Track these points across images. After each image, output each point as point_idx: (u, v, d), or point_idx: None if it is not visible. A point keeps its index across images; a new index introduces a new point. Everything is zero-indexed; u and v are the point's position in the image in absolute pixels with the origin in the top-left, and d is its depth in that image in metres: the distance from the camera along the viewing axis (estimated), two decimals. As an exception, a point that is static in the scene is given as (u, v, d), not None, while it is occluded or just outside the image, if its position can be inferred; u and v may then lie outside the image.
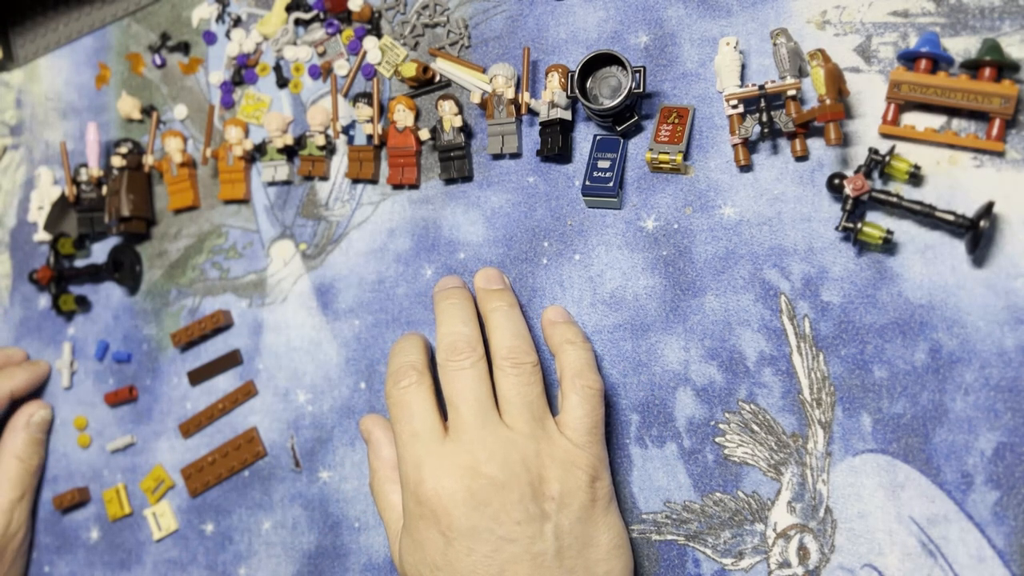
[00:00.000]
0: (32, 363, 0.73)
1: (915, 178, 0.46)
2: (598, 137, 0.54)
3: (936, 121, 0.47)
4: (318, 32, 0.65)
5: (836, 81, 0.46)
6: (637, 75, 0.51)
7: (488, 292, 0.53)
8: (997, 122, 0.44)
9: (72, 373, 0.73)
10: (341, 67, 0.64)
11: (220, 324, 0.65)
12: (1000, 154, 0.45)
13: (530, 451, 0.46)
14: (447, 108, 0.58)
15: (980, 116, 0.46)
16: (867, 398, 0.46)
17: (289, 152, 0.65)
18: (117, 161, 0.69)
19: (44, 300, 0.75)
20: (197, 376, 0.66)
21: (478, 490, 0.45)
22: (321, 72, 0.65)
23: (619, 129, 0.53)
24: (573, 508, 0.46)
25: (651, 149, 0.52)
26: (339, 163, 0.64)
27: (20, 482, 0.69)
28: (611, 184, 0.52)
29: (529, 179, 0.57)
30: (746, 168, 0.50)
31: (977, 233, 0.43)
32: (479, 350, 0.50)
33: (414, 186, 0.60)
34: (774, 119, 0.48)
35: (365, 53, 0.63)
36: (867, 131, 0.48)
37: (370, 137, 0.61)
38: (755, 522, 0.48)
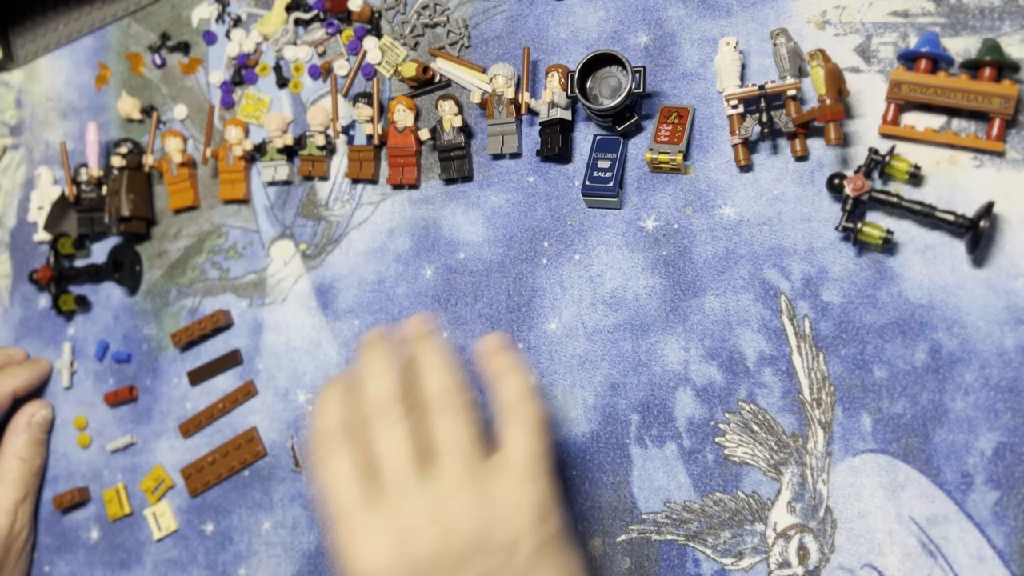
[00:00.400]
0: (33, 362, 0.73)
1: (915, 178, 0.46)
2: (598, 137, 0.54)
3: (936, 121, 0.47)
4: (318, 32, 0.65)
5: (836, 81, 0.46)
6: (637, 75, 0.51)
7: (416, 338, 0.48)
8: (997, 122, 0.44)
9: (72, 373, 0.73)
10: (341, 67, 0.64)
11: (220, 324, 0.65)
12: (1000, 154, 0.45)
13: (469, 503, 0.42)
14: (447, 108, 0.58)
15: (980, 116, 0.46)
16: (867, 398, 0.46)
17: (289, 152, 0.65)
18: (117, 161, 0.69)
19: (44, 300, 0.75)
20: (197, 376, 0.66)
21: (415, 568, 0.41)
22: (321, 72, 0.65)
23: (619, 129, 0.53)
24: (524, 553, 0.41)
25: (651, 149, 0.52)
26: (339, 163, 0.64)
27: (23, 482, 0.69)
28: (611, 184, 0.52)
29: (529, 179, 0.57)
30: (746, 168, 0.50)
31: (977, 233, 0.43)
32: (406, 402, 0.45)
33: (414, 186, 0.60)
34: (774, 119, 0.48)
35: (365, 53, 0.63)
36: (867, 131, 0.48)
37: (370, 137, 0.61)
38: (755, 522, 0.48)
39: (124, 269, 0.70)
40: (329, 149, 0.63)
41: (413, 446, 0.43)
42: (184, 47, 0.71)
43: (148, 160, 0.70)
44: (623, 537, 0.51)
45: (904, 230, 0.46)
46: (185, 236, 0.69)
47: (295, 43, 0.66)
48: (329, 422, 0.45)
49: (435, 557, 0.41)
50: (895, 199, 0.46)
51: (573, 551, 0.44)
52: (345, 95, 0.64)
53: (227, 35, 0.69)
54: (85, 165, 0.72)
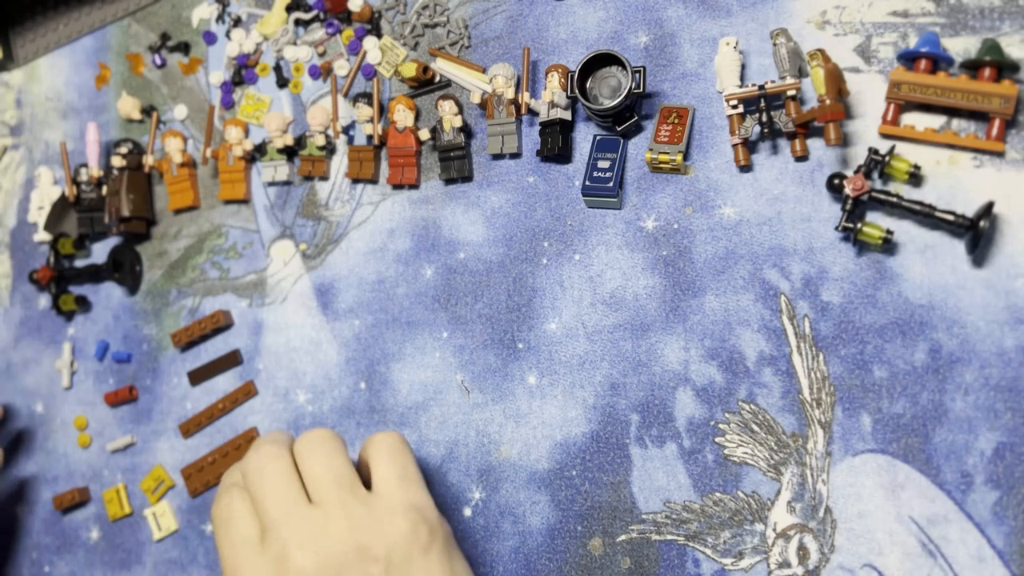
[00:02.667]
0: None
1: (915, 178, 0.46)
2: (598, 137, 0.54)
3: (936, 121, 0.47)
4: (318, 32, 0.65)
5: (836, 81, 0.46)
6: (637, 75, 0.51)
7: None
8: (997, 122, 0.44)
9: (72, 373, 0.73)
10: (341, 67, 0.64)
11: (220, 324, 0.65)
12: (1000, 154, 0.45)
13: (343, 523, 0.44)
14: (447, 108, 0.58)
15: (980, 116, 0.46)
16: (867, 398, 0.46)
17: (289, 152, 0.65)
18: (117, 161, 0.69)
19: (44, 300, 0.75)
20: (197, 376, 0.66)
21: None
22: (321, 72, 0.65)
23: (619, 129, 0.53)
24: (402, 561, 0.44)
25: (651, 149, 0.52)
26: (339, 163, 0.64)
27: None
28: (611, 184, 0.52)
29: (529, 179, 0.57)
30: (746, 168, 0.50)
31: (977, 233, 0.43)
32: (284, 447, 0.49)
33: (414, 186, 0.60)
34: (774, 119, 0.48)
35: (365, 53, 0.63)
36: (867, 131, 0.48)
37: (370, 137, 0.61)
38: (755, 522, 0.48)
39: (124, 269, 0.70)
40: (329, 149, 0.63)
41: (290, 479, 0.47)
42: (184, 47, 0.71)
43: (148, 160, 0.70)
44: (623, 537, 0.51)
45: (904, 230, 0.46)
46: (185, 236, 0.69)
47: (295, 43, 0.66)
48: (231, 477, 0.49)
49: (316, 570, 0.43)
50: (895, 199, 0.46)
51: (459, 556, 0.47)
52: (345, 95, 0.64)
53: (227, 35, 0.69)
54: (85, 165, 0.72)
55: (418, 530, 0.45)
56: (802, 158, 0.49)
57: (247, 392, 0.64)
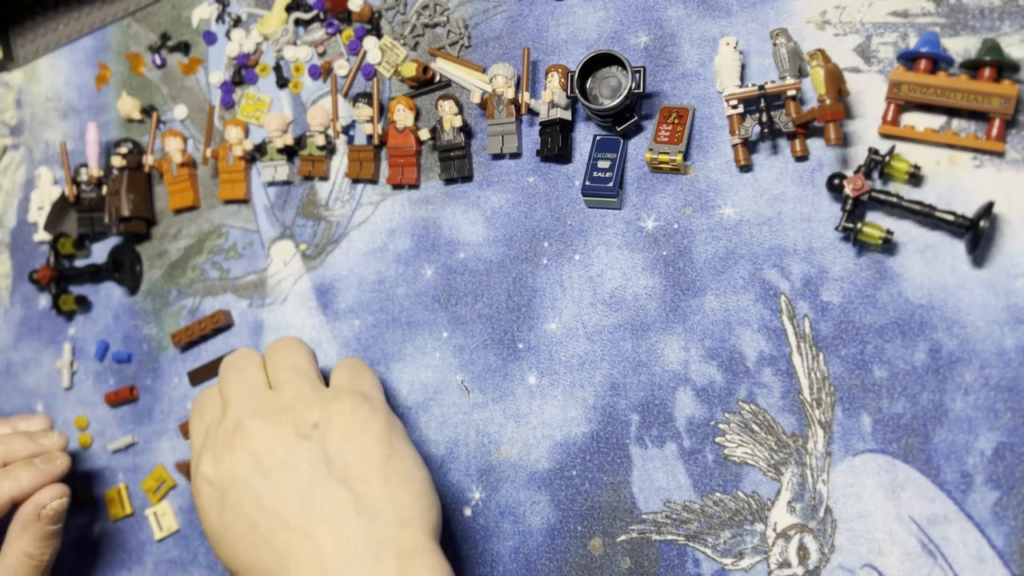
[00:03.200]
0: (48, 458, 0.61)
1: (915, 178, 0.46)
2: (598, 137, 0.54)
3: (936, 121, 0.47)
4: (318, 32, 0.65)
5: (836, 81, 0.46)
6: (637, 75, 0.51)
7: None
8: (997, 122, 0.44)
9: (72, 373, 0.73)
10: (341, 67, 0.64)
11: (220, 324, 0.65)
12: (1000, 154, 0.45)
13: (291, 399, 0.50)
14: (447, 108, 0.58)
15: (980, 116, 0.46)
16: (867, 398, 0.46)
17: (289, 152, 0.65)
18: (117, 161, 0.69)
19: (44, 300, 0.75)
20: (197, 376, 0.66)
21: (236, 443, 0.49)
22: (321, 72, 0.65)
23: (619, 129, 0.53)
24: (337, 429, 0.48)
25: (651, 149, 0.52)
26: (339, 163, 0.64)
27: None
28: (611, 184, 0.52)
29: (529, 179, 0.57)
30: (746, 168, 0.50)
31: (977, 233, 0.43)
32: (254, 352, 0.55)
33: (414, 186, 0.60)
34: (774, 119, 0.48)
35: (365, 53, 0.63)
36: (867, 131, 0.48)
37: (370, 137, 0.61)
38: (755, 522, 0.48)
39: (124, 269, 0.70)
40: (329, 149, 0.63)
41: (258, 379, 0.53)
42: (184, 47, 0.71)
43: (148, 160, 0.70)
44: (623, 537, 0.51)
45: (904, 230, 0.46)
46: (185, 236, 0.69)
47: (295, 43, 0.66)
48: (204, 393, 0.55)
49: (258, 432, 0.49)
50: (895, 199, 0.46)
51: (407, 446, 0.50)
52: (345, 95, 0.64)
53: (227, 35, 0.69)
54: (85, 165, 0.72)
55: (359, 408, 0.49)
56: (802, 158, 0.49)
57: (247, 392, 0.64)
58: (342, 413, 0.49)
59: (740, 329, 0.49)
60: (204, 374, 0.66)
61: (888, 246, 0.46)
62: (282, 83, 0.66)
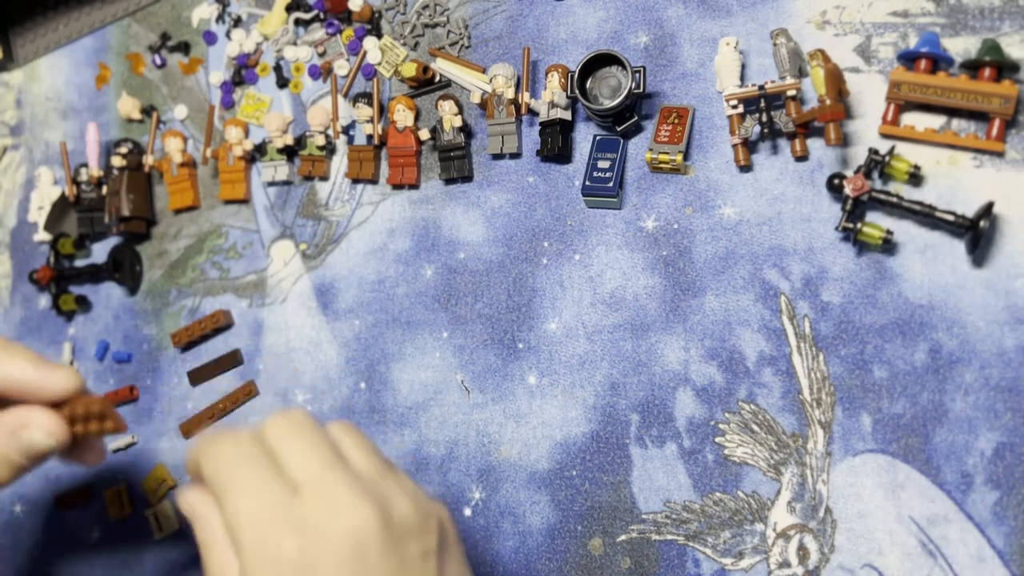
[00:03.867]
0: (47, 367, 0.45)
1: (915, 178, 0.46)
2: (598, 137, 0.54)
3: (936, 121, 0.47)
4: (318, 32, 0.65)
5: (836, 81, 0.46)
6: (637, 75, 0.51)
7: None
8: (997, 122, 0.44)
9: (72, 373, 0.73)
10: (341, 67, 0.64)
11: (220, 324, 0.65)
12: (1000, 154, 0.45)
13: (409, 516, 0.37)
14: (447, 108, 0.58)
15: (980, 116, 0.46)
16: (867, 398, 0.46)
17: (289, 152, 0.65)
18: (117, 161, 0.69)
19: (44, 300, 0.75)
20: (197, 376, 0.66)
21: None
22: (321, 72, 0.65)
23: (619, 129, 0.53)
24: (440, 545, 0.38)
25: (651, 149, 0.52)
26: (339, 163, 0.64)
27: None
28: (611, 184, 0.52)
29: (529, 179, 0.57)
30: (746, 168, 0.50)
31: (977, 233, 0.43)
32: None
33: (414, 186, 0.60)
34: (774, 119, 0.48)
35: (365, 53, 0.63)
36: (867, 131, 0.48)
37: (370, 137, 0.61)
38: (755, 522, 0.48)
39: (124, 269, 0.70)
40: (329, 149, 0.63)
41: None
42: (184, 47, 0.71)
43: (148, 160, 0.70)
44: (623, 537, 0.51)
45: (904, 230, 0.46)
46: (185, 236, 0.69)
47: (295, 43, 0.66)
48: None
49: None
50: (895, 199, 0.46)
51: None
52: (345, 95, 0.64)
53: (227, 35, 0.69)
54: (85, 165, 0.72)
55: (447, 527, 0.39)
56: (802, 158, 0.49)
57: (247, 392, 0.64)
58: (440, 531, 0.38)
59: (740, 329, 0.49)
60: (204, 374, 0.66)
61: (888, 246, 0.46)
62: (282, 83, 0.66)
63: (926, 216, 0.45)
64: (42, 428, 0.44)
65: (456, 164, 0.58)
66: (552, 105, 0.54)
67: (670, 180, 0.52)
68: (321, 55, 0.65)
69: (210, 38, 0.70)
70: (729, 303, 0.50)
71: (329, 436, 0.40)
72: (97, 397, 0.45)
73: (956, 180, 0.46)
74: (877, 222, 0.46)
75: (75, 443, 0.45)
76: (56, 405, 0.44)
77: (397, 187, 0.61)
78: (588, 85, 0.54)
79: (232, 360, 0.65)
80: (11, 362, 0.44)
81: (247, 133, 0.67)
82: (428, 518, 0.38)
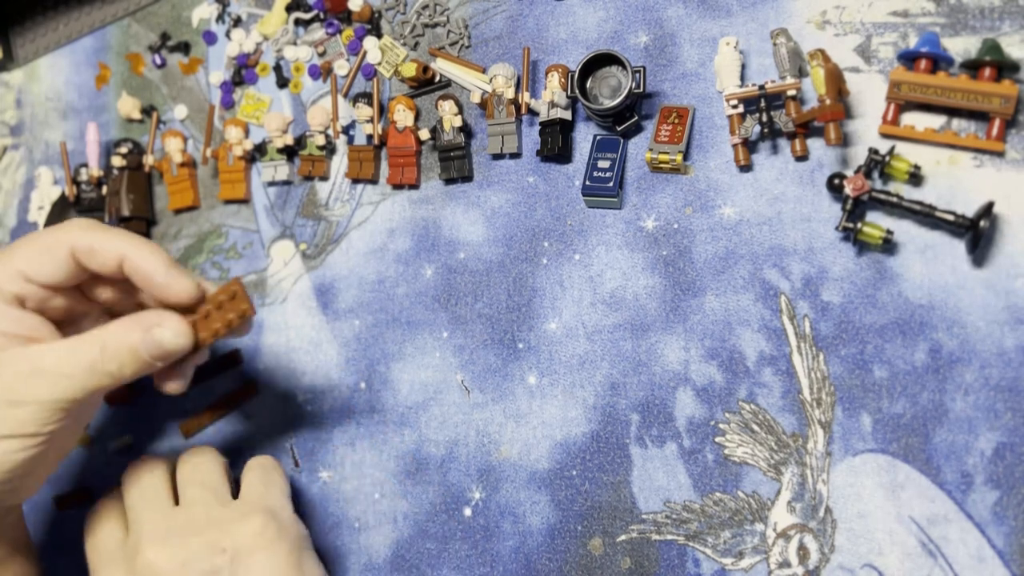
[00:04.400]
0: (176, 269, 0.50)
1: (915, 178, 0.46)
2: (598, 137, 0.54)
3: (936, 121, 0.47)
4: (318, 32, 0.65)
5: (836, 81, 0.46)
6: (637, 75, 0.51)
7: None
8: (997, 122, 0.44)
9: (72, 373, 0.72)
10: (341, 67, 0.64)
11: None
12: (1000, 154, 0.45)
13: (200, 520, 0.49)
14: (447, 108, 0.58)
15: (980, 116, 0.46)
16: (867, 398, 0.46)
17: (289, 152, 0.65)
18: (117, 161, 0.69)
19: (44, 300, 0.75)
20: (197, 376, 0.66)
21: (139, 571, 0.48)
22: (321, 72, 0.65)
23: (619, 129, 0.53)
24: (247, 554, 0.48)
25: (651, 149, 0.52)
26: (339, 163, 0.64)
27: (88, 379, 0.46)
28: (611, 184, 0.52)
29: (529, 179, 0.57)
30: (746, 168, 0.50)
31: (977, 233, 0.43)
32: (161, 460, 0.54)
33: (414, 186, 0.60)
34: (774, 119, 0.48)
35: (365, 53, 0.63)
36: (867, 131, 0.48)
37: (370, 137, 0.61)
38: (755, 522, 0.48)
39: (124, 269, 0.70)
40: (329, 149, 0.63)
41: (164, 489, 0.52)
42: (184, 47, 0.71)
43: (148, 160, 0.70)
44: (623, 537, 0.51)
45: (904, 230, 0.46)
46: (185, 236, 0.69)
47: (295, 43, 0.66)
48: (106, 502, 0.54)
49: (168, 561, 0.48)
50: (895, 199, 0.46)
51: (312, 559, 0.52)
52: (345, 95, 0.64)
53: (227, 35, 0.69)
54: (85, 165, 0.72)
55: (267, 528, 0.49)
56: (802, 158, 0.49)
57: (247, 392, 0.64)
58: (251, 537, 0.49)
59: (740, 329, 0.49)
60: (204, 374, 0.66)
61: (888, 246, 0.46)
62: (282, 83, 0.66)
63: (926, 216, 0.45)
64: (172, 328, 0.48)
65: (456, 164, 0.58)
66: (552, 105, 0.54)
67: (670, 180, 0.52)
68: (321, 55, 0.65)
69: (210, 38, 0.70)
70: (729, 303, 0.50)
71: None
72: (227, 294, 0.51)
73: (956, 180, 0.46)
74: (877, 222, 0.46)
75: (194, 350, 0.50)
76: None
77: (397, 187, 0.61)
78: (588, 85, 0.54)
79: (232, 360, 0.65)
80: (151, 256, 0.49)
81: (247, 133, 0.67)
82: (222, 538, 0.49)
